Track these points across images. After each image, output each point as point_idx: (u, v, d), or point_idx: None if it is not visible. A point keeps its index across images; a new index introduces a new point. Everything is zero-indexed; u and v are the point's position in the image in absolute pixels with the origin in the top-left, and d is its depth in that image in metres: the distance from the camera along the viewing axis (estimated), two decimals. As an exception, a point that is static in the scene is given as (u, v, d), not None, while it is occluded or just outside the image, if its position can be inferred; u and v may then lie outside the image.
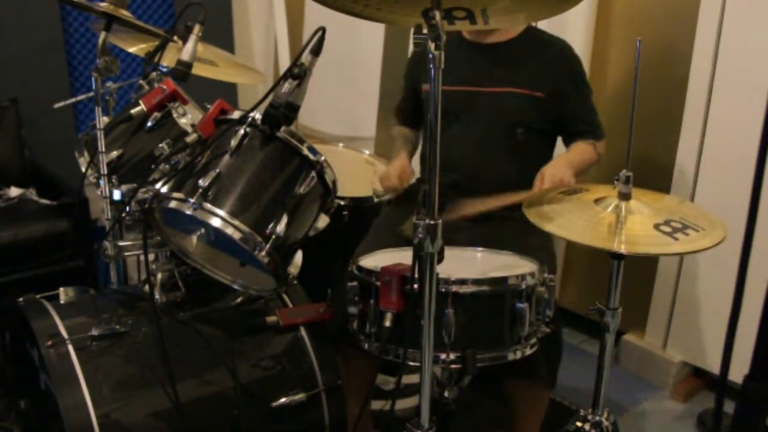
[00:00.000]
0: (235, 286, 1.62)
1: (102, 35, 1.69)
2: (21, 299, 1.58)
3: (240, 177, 1.44)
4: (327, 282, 1.89)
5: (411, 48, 2.19)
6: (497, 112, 1.93)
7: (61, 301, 1.61)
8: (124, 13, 1.72)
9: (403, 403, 2.17)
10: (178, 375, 1.48)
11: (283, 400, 1.56)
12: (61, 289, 1.64)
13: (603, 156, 2.02)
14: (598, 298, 1.58)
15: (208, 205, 1.40)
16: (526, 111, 1.93)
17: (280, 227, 1.43)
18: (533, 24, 1.99)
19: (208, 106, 1.52)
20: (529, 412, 1.88)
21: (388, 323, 1.40)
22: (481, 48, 1.97)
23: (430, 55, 1.15)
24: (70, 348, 1.44)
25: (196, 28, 1.70)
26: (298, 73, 1.40)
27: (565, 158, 1.92)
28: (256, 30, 3.64)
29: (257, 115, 1.45)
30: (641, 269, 2.50)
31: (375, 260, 1.58)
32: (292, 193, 1.48)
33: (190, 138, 1.50)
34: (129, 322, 1.54)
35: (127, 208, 1.57)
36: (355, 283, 1.50)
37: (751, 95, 2.07)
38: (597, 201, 1.53)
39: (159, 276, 1.65)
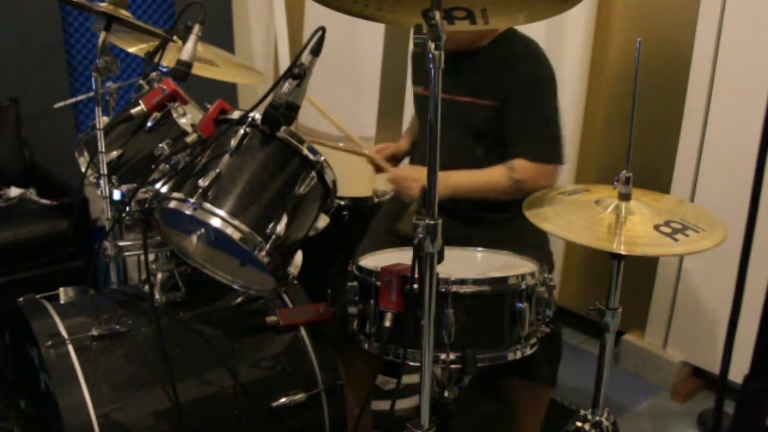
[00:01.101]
0: (235, 286, 1.62)
1: (102, 35, 1.69)
2: (21, 299, 1.57)
3: (240, 177, 1.44)
4: (327, 282, 1.89)
5: (411, 48, 2.18)
6: (464, 123, 1.88)
7: (61, 301, 1.61)
8: (124, 13, 1.72)
9: (403, 403, 2.17)
10: (178, 375, 1.48)
11: (283, 400, 1.56)
12: (61, 289, 1.64)
13: (531, 184, 1.76)
14: (598, 298, 1.58)
15: (208, 205, 1.40)
16: (489, 121, 1.86)
17: (280, 227, 1.43)
18: (513, 30, 1.91)
19: (208, 106, 1.52)
20: (530, 412, 1.88)
21: (388, 323, 1.40)
22: (456, 55, 1.88)
23: (430, 55, 1.15)
24: (70, 348, 1.44)
25: (196, 28, 1.70)
26: (298, 73, 1.40)
27: (454, 177, 1.79)
28: (256, 30, 3.64)
29: (257, 115, 1.45)
30: (641, 269, 2.50)
31: (375, 260, 1.58)
32: (292, 193, 1.48)
33: (190, 138, 1.50)
34: (129, 322, 1.53)
35: (127, 208, 1.56)
36: (355, 283, 1.51)
37: (751, 95, 2.07)
38: (597, 201, 1.53)
39: (159, 276, 1.65)
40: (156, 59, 1.86)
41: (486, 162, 1.87)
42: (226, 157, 1.45)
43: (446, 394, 1.54)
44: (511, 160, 1.82)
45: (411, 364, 1.36)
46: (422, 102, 2.00)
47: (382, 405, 2.14)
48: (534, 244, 1.79)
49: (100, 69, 1.67)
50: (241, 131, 1.45)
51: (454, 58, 1.91)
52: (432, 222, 1.21)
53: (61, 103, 2.25)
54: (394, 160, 2.18)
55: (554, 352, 1.77)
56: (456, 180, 1.80)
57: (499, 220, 1.89)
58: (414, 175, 1.81)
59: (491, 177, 1.82)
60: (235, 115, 1.49)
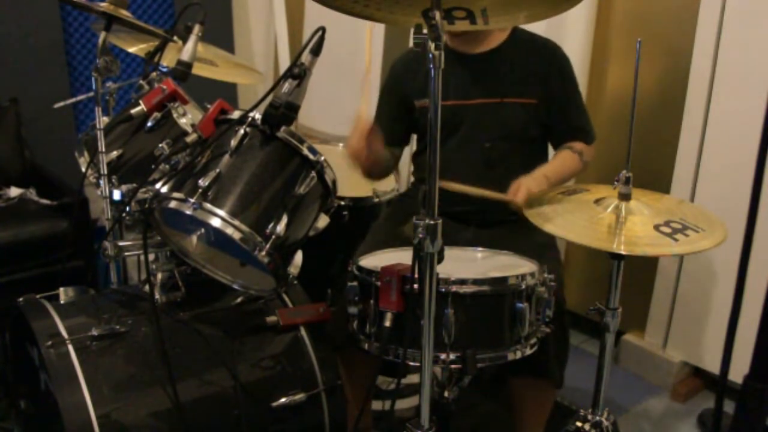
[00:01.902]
0: (235, 286, 1.63)
1: (102, 35, 1.69)
2: (21, 299, 1.58)
3: (240, 177, 1.44)
4: (327, 282, 1.89)
5: (411, 47, 2.16)
6: (492, 125, 1.89)
7: (61, 301, 1.61)
8: (124, 13, 1.72)
9: (403, 403, 2.17)
10: (178, 375, 1.48)
11: (283, 400, 1.56)
12: (61, 289, 1.64)
13: (590, 163, 1.97)
14: (598, 298, 1.58)
15: (208, 205, 1.40)
16: (521, 120, 1.90)
17: (280, 227, 1.43)
18: (520, 26, 1.94)
19: (208, 106, 1.52)
20: (536, 412, 1.88)
21: (388, 323, 1.40)
22: (469, 59, 1.92)
23: (430, 56, 1.15)
24: (70, 348, 1.44)
25: (196, 28, 1.70)
26: (298, 73, 1.40)
27: (545, 171, 1.84)
28: (256, 30, 3.64)
29: (257, 115, 1.45)
30: (641, 269, 2.50)
31: (375, 260, 1.58)
32: (292, 193, 1.48)
33: (190, 138, 1.50)
34: (129, 322, 1.54)
35: (127, 208, 1.57)
36: (355, 283, 1.51)
37: (751, 95, 2.07)
38: (597, 201, 1.53)
39: (159, 276, 1.65)
40: (156, 59, 1.86)
41: (520, 159, 1.89)
42: (226, 157, 1.45)
43: (446, 394, 1.54)
44: (570, 144, 1.94)
45: (411, 364, 1.36)
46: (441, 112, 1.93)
47: (382, 405, 2.14)
48: (544, 244, 1.79)
49: (100, 69, 1.67)
50: (241, 131, 1.45)
51: (471, 61, 1.92)
52: (432, 222, 1.21)
53: (61, 103, 2.25)
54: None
55: (562, 353, 1.77)
56: (549, 173, 1.84)
57: (509, 223, 1.89)
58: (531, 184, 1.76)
59: (572, 165, 1.93)
60: (235, 115, 1.49)
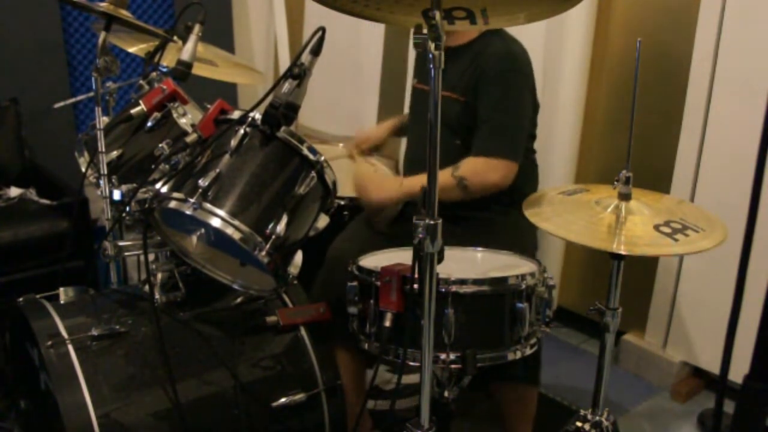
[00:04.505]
0: (235, 286, 1.62)
1: (102, 35, 1.69)
2: (21, 299, 1.58)
3: (240, 177, 1.44)
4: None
5: (411, 48, 2.19)
6: (441, 116, 1.87)
7: (61, 301, 1.61)
8: (124, 13, 1.72)
9: (403, 403, 2.17)
10: (178, 375, 1.48)
11: (283, 400, 1.56)
12: (61, 289, 1.64)
13: (474, 181, 1.76)
14: (598, 298, 1.58)
15: (208, 205, 1.40)
16: (457, 116, 1.86)
17: (280, 227, 1.43)
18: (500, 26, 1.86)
19: (208, 106, 1.52)
20: (518, 412, 1.89)
21: (388, 323, 1.40)
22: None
23: (430, 55, 1.15)
24: (70, 348, 1.44)
25: (196, 28, 1.70)
26: (298, 73, 1.40)
27: (406, 183, 1.83)
28: (256, 30, 3.64)
29: (257, 115, 1.46)
30: (641, 269, 2.50)
31: (375, 260, 1.58)
32: (292, 193, 1.48)
33: (190, 138, 1.50)
34: (129, 322, 1.54)
35: (127, 208, 1.57)
36: (355, 283, 1.51)
37: (751, 95, 2.07)
38: (597, 201, 1.53)
39: (159, 276, 1.65)
40: (156, 59, 1.86)
41: (462, 155, 1.86)
42: (226, 157, 1.45)
43: (446, 394, 1.54)
44: (459, 163, 1.80)
45: (411, 364, 1.36)
46: (416, 95, 2.04)
47: (382, 405, 2.14)
48: (517, 242, 1.78)
49: (100, 69, 1.67)
50: (241, 131, 1.45)
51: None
52: (432, 222, 1.21)
53: (61, 103, 2.25)
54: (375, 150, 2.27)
55: (534, 352, 1.77)
56: (408, 184, 1.82)
57: (482, 219, 1.89)
58: (370, 179, 1.86)
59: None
60: (235, 115, 1.49)
